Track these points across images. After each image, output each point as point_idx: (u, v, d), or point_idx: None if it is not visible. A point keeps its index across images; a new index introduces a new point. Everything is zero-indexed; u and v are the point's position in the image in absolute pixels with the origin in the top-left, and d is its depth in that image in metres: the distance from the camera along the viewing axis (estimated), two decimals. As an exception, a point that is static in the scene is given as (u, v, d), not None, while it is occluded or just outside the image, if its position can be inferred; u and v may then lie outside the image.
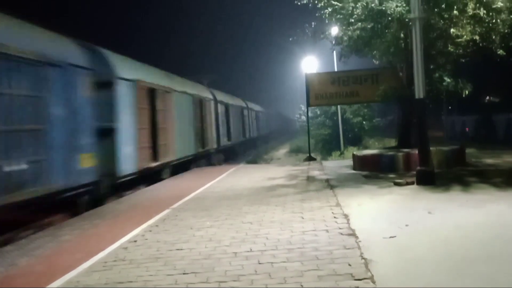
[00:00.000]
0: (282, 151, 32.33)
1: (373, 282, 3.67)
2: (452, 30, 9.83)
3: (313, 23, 11.39)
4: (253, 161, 22.54)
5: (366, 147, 19.27)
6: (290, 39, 12.51)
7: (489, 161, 11.27)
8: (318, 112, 23.83)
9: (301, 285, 3.75)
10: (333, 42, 11.70)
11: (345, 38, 10.46)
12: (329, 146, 22.36)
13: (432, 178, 8.04)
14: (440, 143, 12.06)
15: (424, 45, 8.58)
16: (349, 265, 4.14)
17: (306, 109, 17.71)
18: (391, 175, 9.54)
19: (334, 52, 15.51)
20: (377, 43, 10.11)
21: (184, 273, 4.27)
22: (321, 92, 15.09)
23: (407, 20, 8.42)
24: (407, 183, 8.24)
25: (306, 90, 15.30)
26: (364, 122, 22.22)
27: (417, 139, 8.78)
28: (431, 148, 10.19)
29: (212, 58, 53.40)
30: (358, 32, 9.79)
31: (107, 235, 6.06)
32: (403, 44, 10.37)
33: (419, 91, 8.03)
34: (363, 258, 4.30)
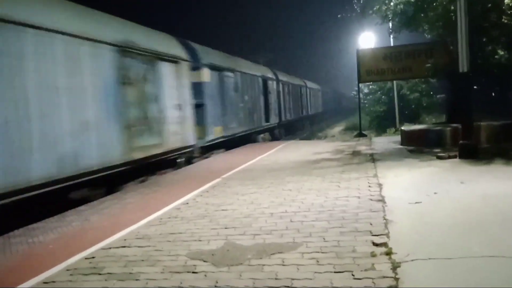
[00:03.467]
0: (337, 128, 32.33)
1: (388, 237, 4.11)
2: (506, 0, 9.51)
3: (361, -1, 11.44)
4: (307, 137, 22.92)
5: (422, 124, 18.91)
6: (339, 16, 12.65)
7: (547, 136, 10.85)
8: (376, 88, 23.50)
9: (324, 239, 4.27)
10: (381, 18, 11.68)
11: (389, 13, 10.44)
12: (384, 123, 22.10)
13: (474, 152, 8.09)
14: (501, 120, 11.73)
15: (476, 17, 8.42)
16: (371, 224, 4.59)
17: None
18: (436, 150, 9.60)
19: (390, 27, 15.29)
20: (422, 18, 10.03)
21: (225, 228, 4.95)
22: (372, 68, 15.08)
23: (452, -9, 8.35)
24: (449, 157, 8.34)
25: (357, 66, 15.36)
26: (422, 98, 21.68)
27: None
28: (481, 123, 10.10)
29: (268, 37, 53.54)
30: (402, 6, 9.77)
31: (164, 199, 6.90)
32: (453, 17, 10.17)
33: (463, 65, 8.02)
34: (385, 219, 4.72)
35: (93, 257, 4.24)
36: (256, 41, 49.30)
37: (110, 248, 4.51)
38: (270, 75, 21.55)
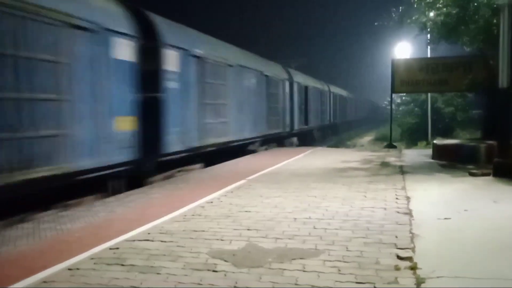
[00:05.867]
0: (367, 138, 31.86)
1: (413, 252, 4.00)
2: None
3: (400, 7, 11.21)
4: (334, 145, 22.68)
5: (455, 139, 18.39)
6: (376, 23, 12.44)
7: None
8: (409, 99, 23.06)
9: (347, 248, 4.20)
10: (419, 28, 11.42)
11: (429, 24, 10.20)
12: (416, 136, 21.64)
13: (509, 171, 7.78)
14: None
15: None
16: (396, 237, 4.48)
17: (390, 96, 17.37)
18: (469, 166, 9.30)
19: (429, 38, 14.97)
20: (463, 30, 9.75)
21: (248, 229, 4.94)
22: (407, 79, 14.77)
23: (495, 6, 8.08)
24: (483, 174, 8.07)
25: (391, 76, 15.08)
26: (457, 113, 21.11)
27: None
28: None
29: (301, 42, 53.36)
30: (442, 18, 9.52)
31: (189, 196, 6.96)
32: (496, 31, 9.85)
33: (503, 80, 7.76)
34: (411, 233, 4.60)
35: (117, 248, 4.32)
36: (289, 45, 49.25)
37: (134, 240, 4.58)
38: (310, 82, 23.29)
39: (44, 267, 3.81)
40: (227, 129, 12.17)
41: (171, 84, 9.24)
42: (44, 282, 3.52)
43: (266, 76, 16.02)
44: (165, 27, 9.36)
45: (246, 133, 13.84)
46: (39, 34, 5.91)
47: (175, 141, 9.34)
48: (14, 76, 5.54)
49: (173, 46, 9.30)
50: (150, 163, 8.59)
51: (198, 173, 10.01)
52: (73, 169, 6.51)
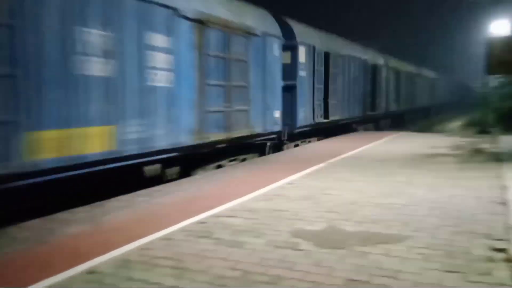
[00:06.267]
0: (457, 123, 29.76)
1: (510, 243, 3.74)
2: None
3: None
4: (421, 130, 21.55)
5: None
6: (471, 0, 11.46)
7: None
8: (506, 82, 21.08)
9: (434, 236, 4.04)
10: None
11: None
12: (514, 122, 19.80)
13: None
14: None
15: None
16: (489, 227, 4.22)
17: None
18: None
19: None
20: None
21: (329, 212, 4.95)
22: (505, 59, 13.47)
23: None
24: None
25: (486, 56, 13.83)
26: None
27: None
28: None
29: (388, 22, 50.74)
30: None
31: (270, 177, 7.10)
32: None
33: None
34: (507, 224, 4.30)
35: (205, 222, 4.59)
36: (372, 25, 47.15)
37: (219, 216, 4.82)
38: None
39: (141, 236, 4.17)
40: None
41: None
42: (141, 249, 3.86)
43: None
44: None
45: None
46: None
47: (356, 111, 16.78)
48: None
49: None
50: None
51: (279, 155, 10.15)
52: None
